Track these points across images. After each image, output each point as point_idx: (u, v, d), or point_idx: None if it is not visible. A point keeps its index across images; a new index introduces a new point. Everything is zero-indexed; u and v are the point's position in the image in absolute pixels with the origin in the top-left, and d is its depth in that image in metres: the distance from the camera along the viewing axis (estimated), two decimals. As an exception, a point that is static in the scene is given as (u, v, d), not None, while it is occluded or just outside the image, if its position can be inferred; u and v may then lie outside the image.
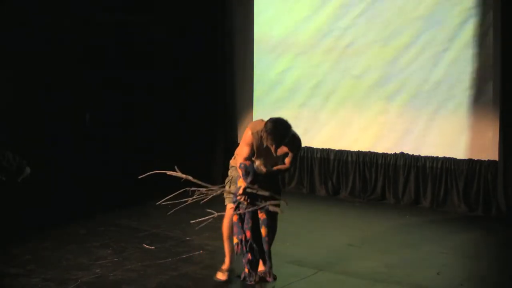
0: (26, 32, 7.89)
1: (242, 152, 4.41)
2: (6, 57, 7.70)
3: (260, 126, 4.31)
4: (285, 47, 8.60)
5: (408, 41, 7.58)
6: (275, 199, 4.24)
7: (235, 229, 4.42)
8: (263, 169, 4.31)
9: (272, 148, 4.26)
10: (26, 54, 7.90)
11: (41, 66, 8.09)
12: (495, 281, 5.02)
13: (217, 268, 5.00)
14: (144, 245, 5.69)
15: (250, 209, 4.29)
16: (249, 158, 4.36)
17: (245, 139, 4.40)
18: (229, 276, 4.66)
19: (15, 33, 7.78)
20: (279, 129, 4.15)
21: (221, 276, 4.67)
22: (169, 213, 4.49)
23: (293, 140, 4.35)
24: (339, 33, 8.11)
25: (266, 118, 4.32)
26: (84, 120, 8.82)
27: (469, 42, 7.18)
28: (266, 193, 4.23)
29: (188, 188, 4.54)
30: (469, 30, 7.16)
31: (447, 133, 7.42)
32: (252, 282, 4.37)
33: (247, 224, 4.35)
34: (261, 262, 4.45)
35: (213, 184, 4.87)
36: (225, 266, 4.72)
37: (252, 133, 4.36)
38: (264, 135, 4.20)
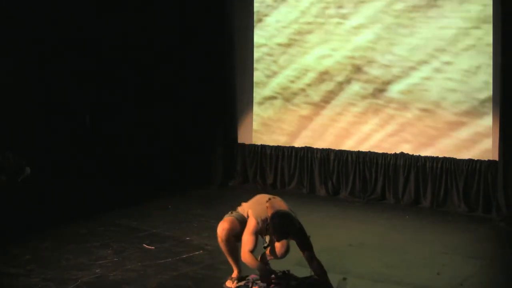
0: (26, 32, 7.90)
1: (248, 242, 4.35)
2: (6, 56, 7.71)
3: (263, 213, 4.34)
4: (285, 47, 8.61)
5: (433, 49, 7.55)
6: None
7: None
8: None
9: (275, 239, 4.32)
10: (26, 54, 7.91)
11: (42, 65, 8.10)
12: (495, 281, 5.02)
13: (217, 268, 5.01)
14: (144, 245, 5.69)
15: None
16: (254, 249, 4.34)
17: (250, 227, 4.37)
18: (238, 284, 4.59)
19: (15, 32, 7.78)
20: (286, 225, 4.19)
21: (230, 284, 4.60)
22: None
23: (300, 230, 4.35)
24: (340, 34, 8.11)
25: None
26: (84, 121, 8.83)
27: (469, 42, 7.19)
28: None
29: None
30: (468, 30, 7.17)
31: (448, 133, 7.43)
32: None
33: None
34: None
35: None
36: (234, 274, 4.65)
37: (258, 222, 4.35)
38: (271, 229, 4.23)
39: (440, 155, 7.51)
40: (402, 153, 7.72)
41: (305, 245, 4.34)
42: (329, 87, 8.23)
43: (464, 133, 7.35)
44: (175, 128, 9.24)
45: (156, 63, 9.21)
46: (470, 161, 7.25)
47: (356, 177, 8.06)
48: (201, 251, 5.51)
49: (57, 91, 8.34)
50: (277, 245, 4.42)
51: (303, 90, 8.47)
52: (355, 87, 8.05)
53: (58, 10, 8.17)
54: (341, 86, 8.15)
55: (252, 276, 4.53)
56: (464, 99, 7.32)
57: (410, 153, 7.71)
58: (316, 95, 8.36)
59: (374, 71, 7.88)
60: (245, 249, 4.35)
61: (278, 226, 4.18)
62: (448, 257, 5.44)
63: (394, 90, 7.76)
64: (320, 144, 8.39)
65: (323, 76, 8.27)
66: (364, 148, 8.04)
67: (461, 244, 5.97)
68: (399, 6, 7.64)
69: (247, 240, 4.36)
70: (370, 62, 7.90)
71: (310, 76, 8.38)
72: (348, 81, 8.09)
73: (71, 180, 8.18)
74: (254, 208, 4.44)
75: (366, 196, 7.95)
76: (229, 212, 4.65)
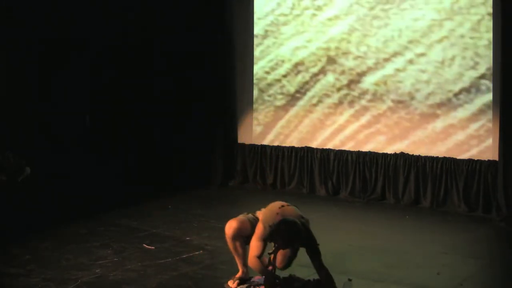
0: (25, 32, 7.90)
1: (255, 247, 4.29)
2: (6, 57, 7.71)
3: (272, 219, 4.24)
4: (260, 38, 8.68)
5: (406, 41, 7.60)
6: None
7: None
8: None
9: (280, 246, 4.20)
10: (25, 54, 7.90)
11: (41, 65, 8.10)
12: (495, 281, 5.02)
13: (217, 268, 5.01)
14: (144, 245, 5.69)
15: None
16: (261, 255, 4.28)
17: (258, 233, 4.30)
18: (239, 284, 4.56)
19: (15, 32, 7.78)
20: (292, 233, 4.08)
21: (231, 284, 4.57)
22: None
23: (308, 239, 4.26)
24: (339, 35, 8.13)
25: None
26: (84, 121, 8.83)
27: (469, 42, 7.19)
28: None
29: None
30: (468, 30, 7.18)
31: (447, 133, 7.44)
32: None
33: None
34: None
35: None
36: (238, 275, 4.62)
37: (265, 227, 4.27)
38: (276, 236, 4.13)
39: (414, 148, 7.66)
40: (402, 153, 7.72)
41: (314, 253, 4.28)
42: (304, 79, 8.44)
43: (438, 125, 7.51)
44: (175, 128, 9.23)
45: (155, 63, 9.21)
46: (470, 161, 7.25)
47: (356, 177, 8.06)
48: (201, 251, 5.50)
49: (57, 91, 8.34)
50: (279, 255, 4.37)
51: (278, 81, 8.68)
52: (330, 79, 8.22)
53: (58, 9, 8.16)
54: (316, 77, 8.33)
55: (257, 278, 4.51)
56: (437, 91, 7.47)
57: (384, 145, 7.87)
58: (291, 86, 8.54)
59: (349, 63, 8.04)
60: (251, 254, 4.30)
61: (283, 233, 4.09)
62: (448, 257, 5.44)
63: (369, 82, 7.93)
64: (296, 135, 8.58)
65: (299, 67, 8.46)
66: (338, 139, 8.24)
67: (461, 244, 5.96)
68: (373, -3, 7.82)
69: (254, 245, 4.31)
70: (345, 53, 8.06)
71: (286, 67, 8.59)
72: (323, 72, 8.26)
73: (71, 180, 8.17)
74: (265, 214, 4.38)
75: (366, 196, 7.95)
76: (245, 213, 4.59)
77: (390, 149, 7.83)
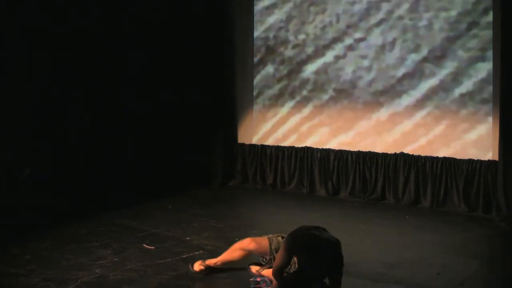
0: (25, 32, 7.90)
1: (278, 259, 4.19)
2: (5, 57, 7.71)
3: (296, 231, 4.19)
4: (285, 48, 8.62)
5: (319, 19, 7.59)
6: None
7: None
8: None
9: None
10: (25, 54, 7.90)
11: (39, 64, 8.10)
12: (495, 281, 5.02)
13: (217, 268, 5.00)
14: (144, 245, 5.69)
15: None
16: (283, 268, 4.16)
17: (284, 244, 4.24)
18: (203, 272, 4.75)
19: (15, 32, 7.78)
20: (307, 238, 4.02)
21: (196, 267, 4.76)
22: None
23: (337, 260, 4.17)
24: (338, 36, 8.12)
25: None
26: (85, 121, 8.82)
27: (468, 42, 7.19)
28: None
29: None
30: (468, 30, 7.18)
31: (447, 133, 7.44)
32: None
33: None
34: None
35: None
36: (209, 261, 4.78)
37: (286, 236, 4.24)
38: (295, 242, 4.08)
39: (359, 139, 7.74)
40: (402, 153, 7.72)
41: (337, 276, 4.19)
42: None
43: (383, 114, 7.52)
44: (175, 128, 9.23)
45: (156, 63, 9.22)
46: (470, 161, 7.25)
47: (356, 177, 8.06)
48: (201, 251, 5.50)
49: (57, 91, 8.34)
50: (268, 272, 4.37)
51: None
52: (269, 69, 8.25)
53: (58, 10, 8.17)
54: (257, 68, 8.43)
55: (268, 278, 4.47)
56: (379, 77, 7.44)
57: (327, 137, 7.96)
58: None
59: (288, 52, 8.07)
60: (274, 264, 4.23)
61: (298, 238, 4.02)
62: (448, 257, 5.44)
63: (309, 71, 7.95)
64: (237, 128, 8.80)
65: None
66: (280, 132, 8.36)
67: (461, 244, 5.96)
68: (308, -17, 7.87)
69: (278, 255, 4.26)
70: (284, 42, 8.11)
71: None
72: (263, 63, 8.34)
73: (71, 180, 8.17)
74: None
75: (366, 196, 7.95)
76: (275, 235, 4.63)
77: (335, 142, 7.93)
